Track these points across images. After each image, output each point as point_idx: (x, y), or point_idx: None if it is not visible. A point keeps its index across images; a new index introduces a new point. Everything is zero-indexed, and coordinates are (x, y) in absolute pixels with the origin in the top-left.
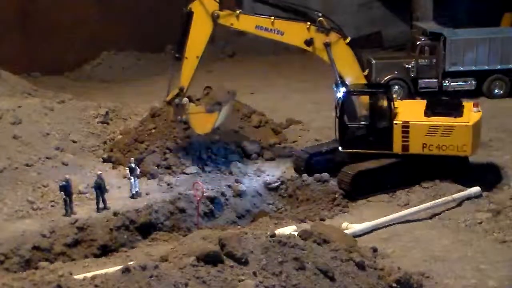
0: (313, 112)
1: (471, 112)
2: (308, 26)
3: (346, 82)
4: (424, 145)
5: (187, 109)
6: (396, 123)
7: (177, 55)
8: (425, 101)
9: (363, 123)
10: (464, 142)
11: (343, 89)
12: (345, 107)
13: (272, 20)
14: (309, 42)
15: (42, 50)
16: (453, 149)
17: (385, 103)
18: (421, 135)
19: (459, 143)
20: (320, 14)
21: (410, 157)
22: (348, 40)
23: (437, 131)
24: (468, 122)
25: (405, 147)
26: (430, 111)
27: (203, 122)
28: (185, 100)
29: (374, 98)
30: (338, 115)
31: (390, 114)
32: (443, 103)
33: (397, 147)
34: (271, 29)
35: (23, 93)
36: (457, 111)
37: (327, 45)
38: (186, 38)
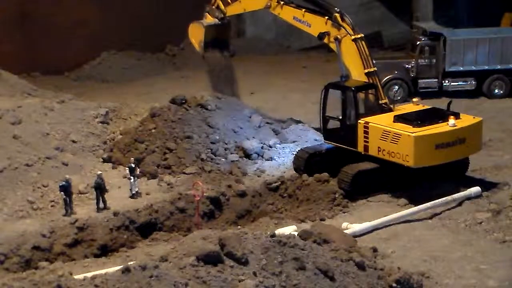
0: (313, 112)
1: (441, 125)
2: (326, 20)
3: (351, 77)
4: (379, 149)
5: (205, 20)
6: (359, 122)
7: None
8: (425, 107)
9: (340, 117)
10: (407, 152)
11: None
12: (327, 100)
13: (302, 13)
14: (321, 36)
15: (42, 50)
16: (399, 157)
17: (354, 101)
18: (377, 138)
19: (403, 152)
20: (337, 9)
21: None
22: (355, 36)
23: (388, 136)
24: (412, 133)
25: (366, 148)
26: (398, 117)
27: (196, 34)
28: (216, 20)
29: (345, 95)
30: (321, 107)
31: (357, 112)
32: (430, 112)
33: (360, 146)
34: (302, 21)
35: (23, 93)
36: (423, 121)
37: (336, 40)
38: None
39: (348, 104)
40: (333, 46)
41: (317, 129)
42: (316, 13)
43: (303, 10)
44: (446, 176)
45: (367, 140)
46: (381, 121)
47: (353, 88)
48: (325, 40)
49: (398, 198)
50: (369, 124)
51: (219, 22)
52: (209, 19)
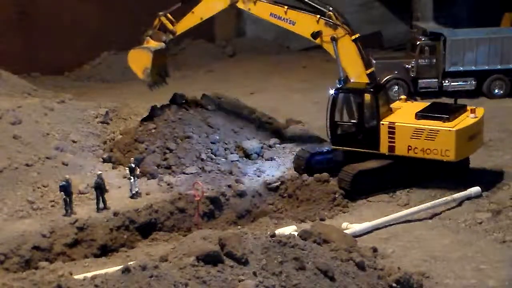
0: (313, 112)
1: (466, 118)
2: (317, 19)
3: (349, 79)
4: (409, 148)
5: (147, 45)
6: (383, 124)
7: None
8: (426, 104)
9: (352, 121)
10: (447, 147)
11: (334, 87)
12: (335, 105)
13: (285, 10)
14: (315, 35)
15: (42, 50)
16: (436, 153)
17: (373, 103)
18: (407, 137)
19: (442, 147)
20: (330, 8)
21: (408, 157)
22: (355, 36)
23: (422, 134)
24: (452, 128)
25: (391, 148)
26: (421, 114)
27: (140, 61)
28: (162, 44)
29: (362, 97)
30: (328, 112)
31: (378, 114)
32: (443, 107)
33: (383, 148)
34: (283, 18)
35: (23, 93)
36: (449, 115)
37: (333, 40)
38: None
39: (366, 106)
40: (327, 46)
41: (315, 137)
42: (303, 11)
43: (286, 7)
44: (447, 175)
45: (393, 140)
46: (404, 120)
47: (371, 90)
48: (317, 40)
49: (398, 198)
50: (396, 124)
51: (165, 46)
52: (152, 44)
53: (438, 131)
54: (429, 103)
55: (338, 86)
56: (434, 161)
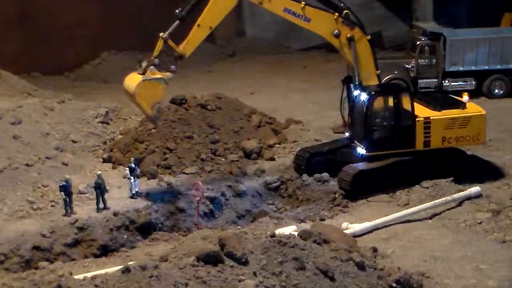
0: (313, 112)
1: (468, 102)
2: (336, 17)
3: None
4: (444, 139)
5: (152, 74)
6: (418, 120)
7: (181, 14)
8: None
9: (385, 123)
10: (479, 131)
11: (363, 93)
12: (370, 109)
13: (302, 6)
14: (337, 34)
15: (42, 50)
16: (469, 139)
17: (407, 102)
18: (441, 129)
19: (475, 132)
20: (346, 6)
21: (413, 155)
22: (368, 37)
23: (456, 123)
24: (481, 112)
25: (426, 143)
26: (440, 106)
27: (151, 95)
28: (170, 75)
29: (398, 98)
30: (364, 119)
31: (413, 112)
32: (439, 96)
33: (419, 144)
34: (299, 15)
35: (23, 93)
36: (458, 102)
37: (351, 40)
38: (201, 4)
39: (402, 106)
40: (343, 46)
41: (315, 137)
42: (321, 8)
43: (303, 3)
44: (446, 174)
45: (428, 135)
46: (432, 114)
47: (407, 88)
48: (336, 40)
49: (398, 198)
50: (431, 118)
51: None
52: (159, 75)
53: (470, 117)
54: (420, 96)
55: (360, 90)
56: (441, 157)
